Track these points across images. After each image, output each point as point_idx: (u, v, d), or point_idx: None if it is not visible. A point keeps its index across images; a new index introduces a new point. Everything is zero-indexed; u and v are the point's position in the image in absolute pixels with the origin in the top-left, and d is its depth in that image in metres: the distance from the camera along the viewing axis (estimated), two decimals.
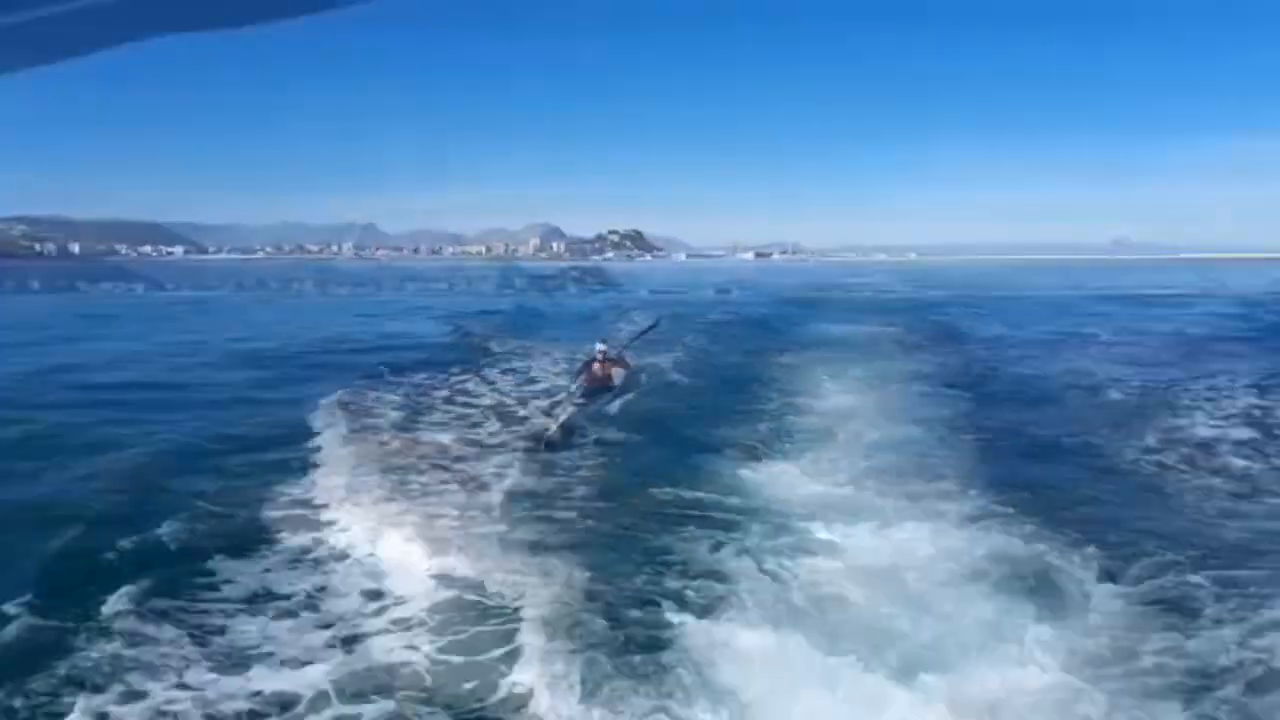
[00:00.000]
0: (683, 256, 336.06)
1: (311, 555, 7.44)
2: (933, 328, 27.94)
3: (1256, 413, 13.16)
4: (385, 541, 7.57)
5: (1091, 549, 7.02)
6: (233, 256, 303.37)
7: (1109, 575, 6.64)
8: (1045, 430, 12.23)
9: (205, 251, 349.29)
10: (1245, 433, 11.86)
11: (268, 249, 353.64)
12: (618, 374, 13.50)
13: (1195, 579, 6.53)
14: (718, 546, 7.25)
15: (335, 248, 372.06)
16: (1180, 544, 7.28)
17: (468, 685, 5.41)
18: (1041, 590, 6.35)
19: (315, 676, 5.53)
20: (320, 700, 5.29)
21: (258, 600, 6.61)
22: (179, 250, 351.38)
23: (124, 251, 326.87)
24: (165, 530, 7.79)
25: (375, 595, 6.68)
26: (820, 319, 30.88)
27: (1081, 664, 5.35)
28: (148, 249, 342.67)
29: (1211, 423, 12.42)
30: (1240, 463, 10.39)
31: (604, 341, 14.88)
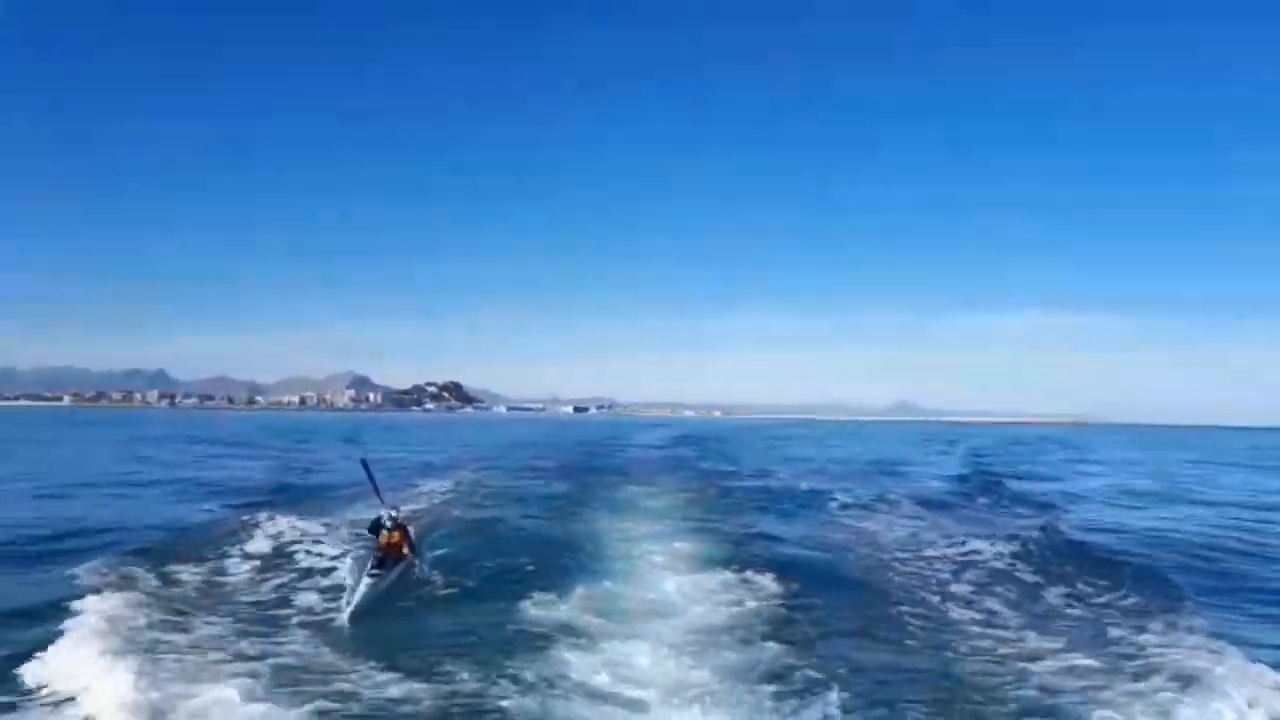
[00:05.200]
0: (503, 409, 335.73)
1: None
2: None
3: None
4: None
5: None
6: (40, 404, 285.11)
7: None
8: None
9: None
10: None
11: (68, 396, 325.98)
12: (406, 542, 13.25)
13: None
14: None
15: (140, 396, 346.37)
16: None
17: None
18: None
19: None
20: None
21: None
22: None
23: None
24: None
25: None
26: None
27: None
28: None
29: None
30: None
31: (393, 508, 14.19)
